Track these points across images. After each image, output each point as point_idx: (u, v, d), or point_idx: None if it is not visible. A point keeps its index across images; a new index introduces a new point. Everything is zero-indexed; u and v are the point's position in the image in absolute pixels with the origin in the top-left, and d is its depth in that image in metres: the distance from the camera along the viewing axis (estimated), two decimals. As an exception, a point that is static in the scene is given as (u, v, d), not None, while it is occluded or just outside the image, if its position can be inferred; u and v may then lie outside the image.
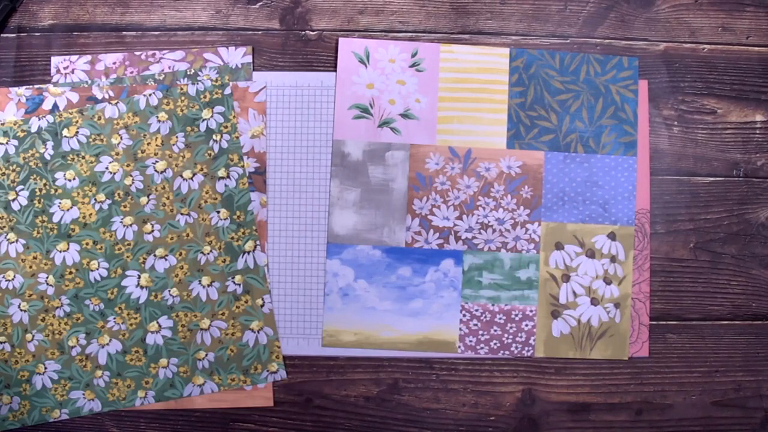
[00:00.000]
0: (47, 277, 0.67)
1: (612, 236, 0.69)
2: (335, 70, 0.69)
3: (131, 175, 0.68)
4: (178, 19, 0.70)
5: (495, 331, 0.68)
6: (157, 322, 0.68)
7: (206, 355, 0.68)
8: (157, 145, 0.68)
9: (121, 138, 0.68)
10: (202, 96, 0.68)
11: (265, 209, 0.69)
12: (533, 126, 0.69)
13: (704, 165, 0.70)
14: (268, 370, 0.68)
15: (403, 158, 0.68)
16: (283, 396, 0.68)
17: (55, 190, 0.68)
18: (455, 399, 0.69)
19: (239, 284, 0.68)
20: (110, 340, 0.68)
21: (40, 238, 0.68)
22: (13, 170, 0.68)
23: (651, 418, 0.69)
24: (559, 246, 0.69)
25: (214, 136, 0.68)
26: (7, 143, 0.68)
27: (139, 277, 0.68)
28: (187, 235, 0.68)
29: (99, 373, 0.68)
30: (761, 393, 0.70)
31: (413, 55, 0.69)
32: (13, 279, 0.67)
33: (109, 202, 0.68)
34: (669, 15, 0.71)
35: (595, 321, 0.68)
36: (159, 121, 0.68)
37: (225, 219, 0.68)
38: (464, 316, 0.68)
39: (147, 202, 0.68)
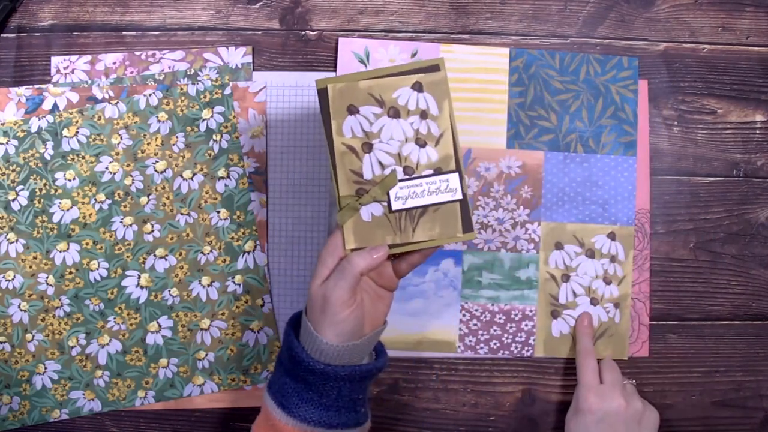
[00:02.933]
0: (47, 277, 0.67)
1: (612, 236, 0.69)
2: (335, 70, 0.69)
3: (131, 175, 0.68)
4: (178, 19, 0.70)
5: (495, 331, 0.68)
6: (157, 322, 0.68)
7: (206, 355, 0.68)
8: (157, 145, 0.68)
9: (121, 138, 0.68)
10: (202, 96, 0.68)
11: (265, 209, 0.69)
12: (533, 126, 0.69)
13: (704, 165, 0.70)
14: (268, 370, 0.68)
15: (403, 158, 0.68)
16: (283, 396, 0.68)
17: (55, 190, 0.68)
18: (455, 399, 0.69)
19: (239, 284, 0.68)
20: (110, 340, 0.68)
21: (40, 238, 0.68)
22: (13, 170, 0.68)
23: (651, 418, 0.69)
24: (558, 246, 0.69)
25: (214, 136, 0.68)
26: (7, 143, 0.68)
27: (139, 277, 0.68)
28: (187, 235, 0.68)
29: (99, 373, 0.68)
30: (761, 393, 0.70)
31: (413, 55, 0.69)
32: (13, 279, 0.67)
33: (109, 202, 0.68)
34: (669, 15, 0.71)
35: (595, 321, 0.68)
36: (159, 121, 0.68)
37: (225, 219, 0.68)
38: (464, 315, 0.68)
39: (147, 202, 0.68)
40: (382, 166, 0.53)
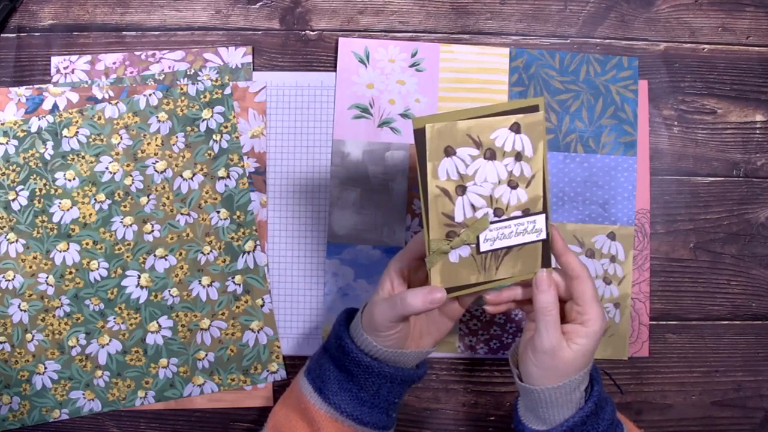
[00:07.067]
0: (47, 277, 0.67)
1: (612, 236, 0.69)
2: (335, 70, 0.69)
3: (131, 175, 0.68)
4: (178, 19, 0.70)
5: (495, 331, 0.68)
6: (157, 322, 0.68)
7: (206, 355, 0.68)
8: (157, 145, 0.68)
9: (121, 138, 0.68)
10: (202, 96, 0.68)
11: (265, 209, 0.69)
12: (533, 126, 0.69)
13: (704, 165, 0.70)
14: (268, 370, 0.68)
15: (403, 158, 0.68)
16: (283, 396, 0.68)
17: (55, 190, 0.68)
18: (455, 399, 0.69)
19: (239, 284, 0.68)
20: (110, 340, 0.68)
21: (40, 238, 0.68)
22: (13, 170, 0.68)
23: (651, 418, 0.69)
24: (559, 246, 0.69)
25: (214, 136, 0.68)
26: (7, 143, 0.68)
27: (139, 277, 0.68)
28: (187, 235, 0.68)
29: (99, 373, 0.68)
30: (761, 393, 0.70)
31: (413, 55, 0.69)
32: (13, 279, 0.67)
33: (109, 202, 0.68)
34: (669, 15, 0.71)
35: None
36: (159, 121, 0.68)
37: (225, 219, 0.68)
38: (464, 316, 0.68)
39: (147, 202, 0.68)
40: (474, 208, 0.51)
